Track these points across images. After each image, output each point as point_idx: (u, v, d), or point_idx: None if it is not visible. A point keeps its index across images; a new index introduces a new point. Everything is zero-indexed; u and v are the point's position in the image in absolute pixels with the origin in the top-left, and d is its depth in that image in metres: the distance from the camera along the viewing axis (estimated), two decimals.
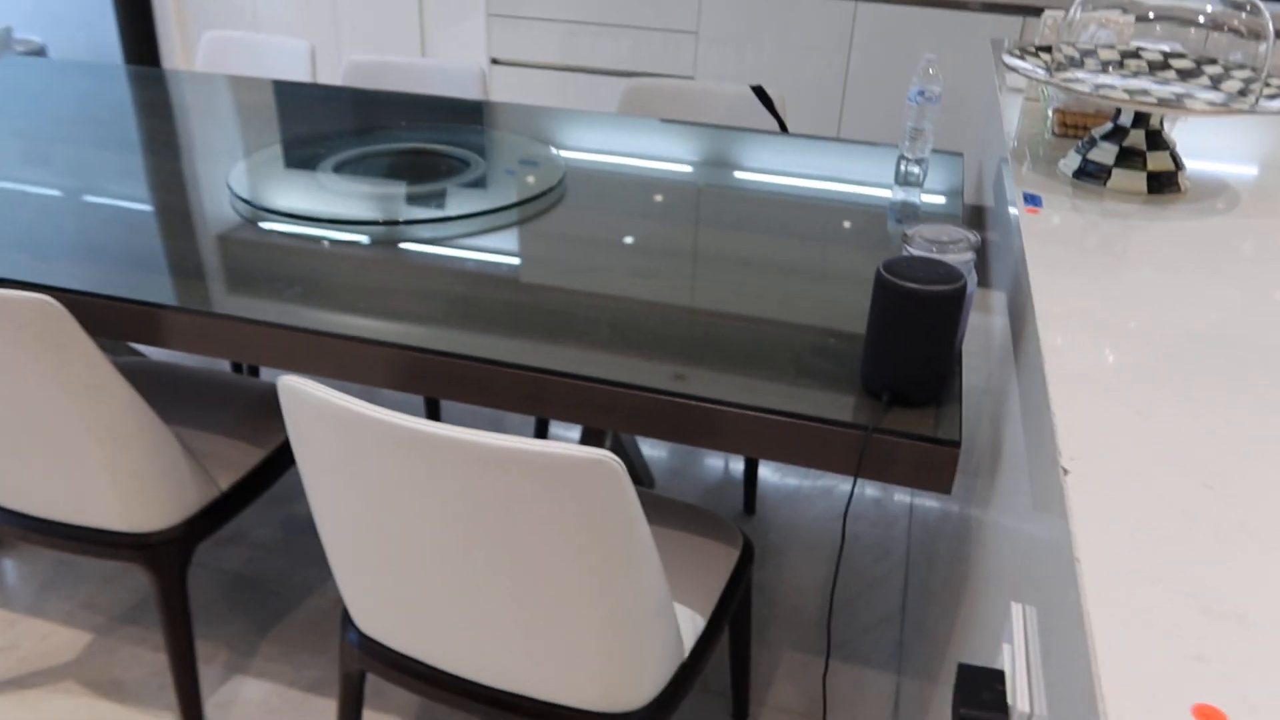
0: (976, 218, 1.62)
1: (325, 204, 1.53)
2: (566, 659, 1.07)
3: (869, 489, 2.22)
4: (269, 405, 1.60)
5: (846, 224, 1.58)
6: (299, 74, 2.45)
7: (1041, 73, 1.39)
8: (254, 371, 2.36)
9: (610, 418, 1.11)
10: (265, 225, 1.46)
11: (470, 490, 0.94)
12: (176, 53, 4.41)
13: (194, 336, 1.22)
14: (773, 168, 1.82)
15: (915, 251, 1.10)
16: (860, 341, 1.20)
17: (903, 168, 1.88)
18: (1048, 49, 1.50)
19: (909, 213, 1.68)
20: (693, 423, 1.08)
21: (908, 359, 1.04)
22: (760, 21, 3.47)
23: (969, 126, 3.42)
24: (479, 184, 1.64)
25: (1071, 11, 1.39)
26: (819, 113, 3.60)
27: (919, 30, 3.34)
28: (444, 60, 2.32)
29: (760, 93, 2.16)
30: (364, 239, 1.43)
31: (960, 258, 1.09)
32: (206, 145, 1.81)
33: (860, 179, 1.80)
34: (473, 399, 1.15)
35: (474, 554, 1.00)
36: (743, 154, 1.89)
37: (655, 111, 2.22)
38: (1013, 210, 1.23)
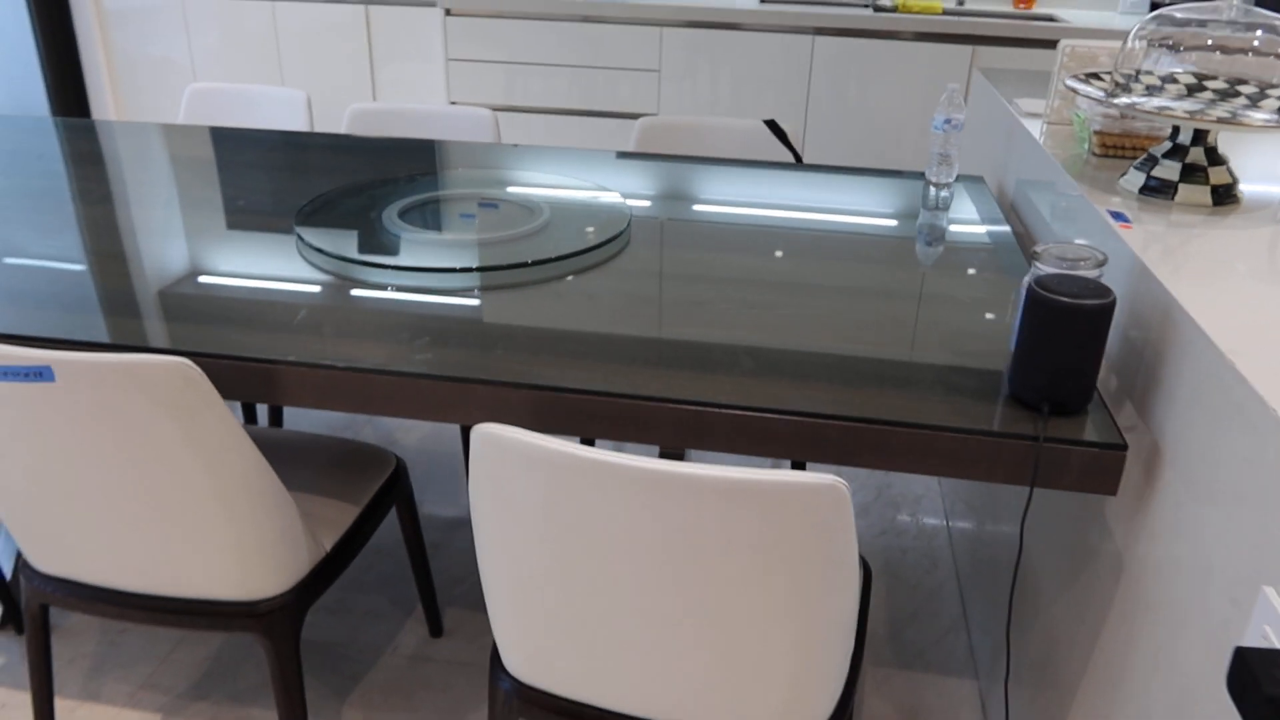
0: (998, 238, 1.70)
1: (413, 254, 1.52)
2: (755, 681, 1.08)
3: (900, 510, 2.28)
4: (353, 460, 1.57)
5: (890, 249, 1.65)
6: (296, 124, 2.41)
7: (1099, 95, 1.49)
8: (276, 422, 2.29)
9: (774, 445, 1.13)
10: (349, 276, 1.44)
11: (693, 523, 0.95)
12: (107, 105, 4.26)
13: (327, 391, 1.20)
14: (810, 201, 1.89)
15: (1046, 269, 1.16)
16: (978, 356, 1.25)
17: (931, 192, 1.97)
18: (1095, 75, 1.60)
19: (937, 236, 1.76)
20: (861, 444, 1.11)
21: (1064, 370, 1.09)
22: (720, 57, 3.57)
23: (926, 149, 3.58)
24: (547, 229, 1.65)
25: (1130, 43, 1.50)
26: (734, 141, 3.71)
27: (875, 60, 3.48)
28: (451, 107, 2.32)
29: (774, 126, 2.23)
30: (457, 285, 1.43)
31: (1092, 272, 1.16)
32: (258, 200, 1.77)
33: (881, 207, 1.87)
34: (632, 436, 1.16)
35: (677, 585, 1.01)
36: (774, 187, 1.95)
37: (671, 148, 2.26)
38: (1114, 222, 1.31)
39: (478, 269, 1.47)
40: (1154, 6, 3.72)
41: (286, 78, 4.08)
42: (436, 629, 1.84)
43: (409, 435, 2.50)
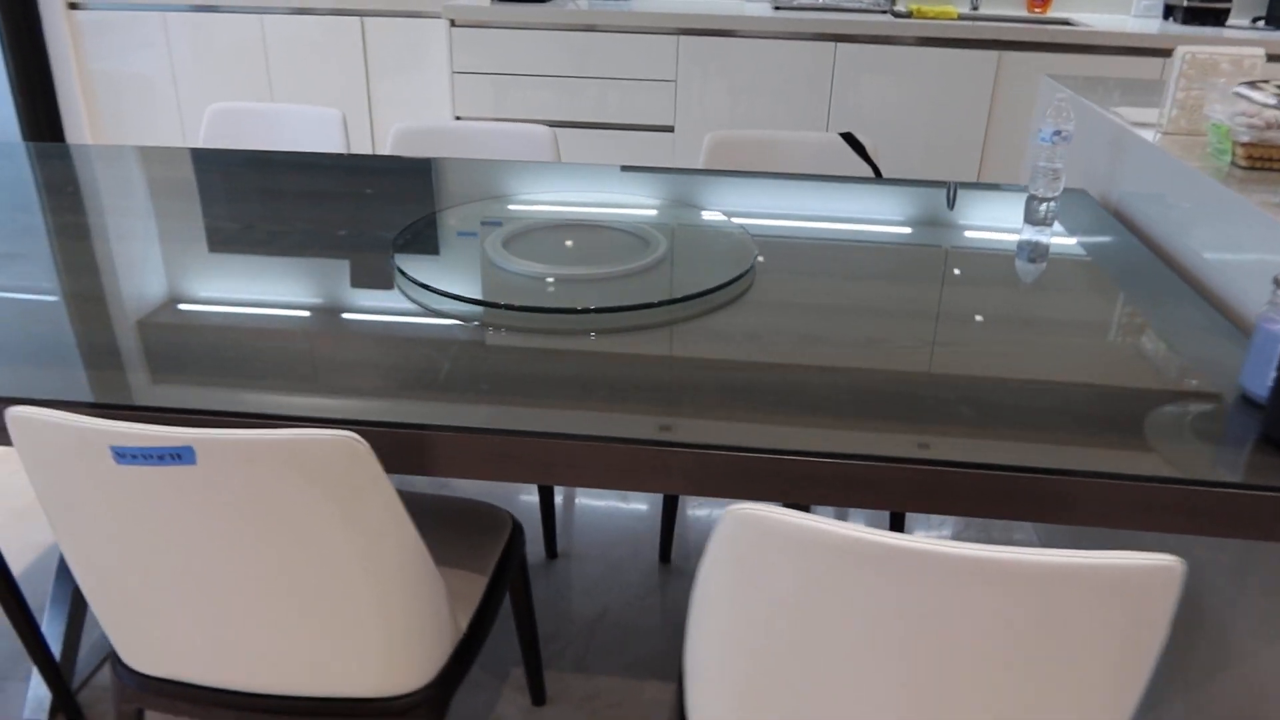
0: (1136, 254, 1.61)
1: (530, 293, 1.37)
2: None
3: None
4: (469, 521, 1.42)
5: (993, 268, 1.54)
6: (332, 145, 2.24)
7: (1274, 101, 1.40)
8: None
9: (1019, 506, 1.01)
10: (463, 316, 1.29)
11: (1000, 611, 0.82)
12: (83, 129, 4.01)
13: (499, 460, 1.05)
14: (919, 218, 1.78)
15: None
16: (1184, 391, 1.15)
17: (1036, 207, 1.88)
18: (1253, 85, 1.51)
19: (1040, 253, 1.66)
20: (1093, 499, 1.00)
21: None
22: (737, 66, 3.46)
23: (965, 156, 3.51)
24: (665, 260, 1.51)
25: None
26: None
27: (896, 67, 3.40)
28: (503, 124, 2.17)
29: (851, 139, 2.12)
30: (596, 326, 1.29)
31: None
32: (333, 231, 1.60)
33: (992, 223, 1.77)
34: (855, 501, 1.03)
35: (962, 677, 0.88)
36: (871, 203, 1.83)
37: (742, 164, 2.14)
38: None
39: (657, 303, 1.33)
40: (1168, 10, 3.70)
41: (276, 93, 3.87)
42: (540, 697, 1.68)
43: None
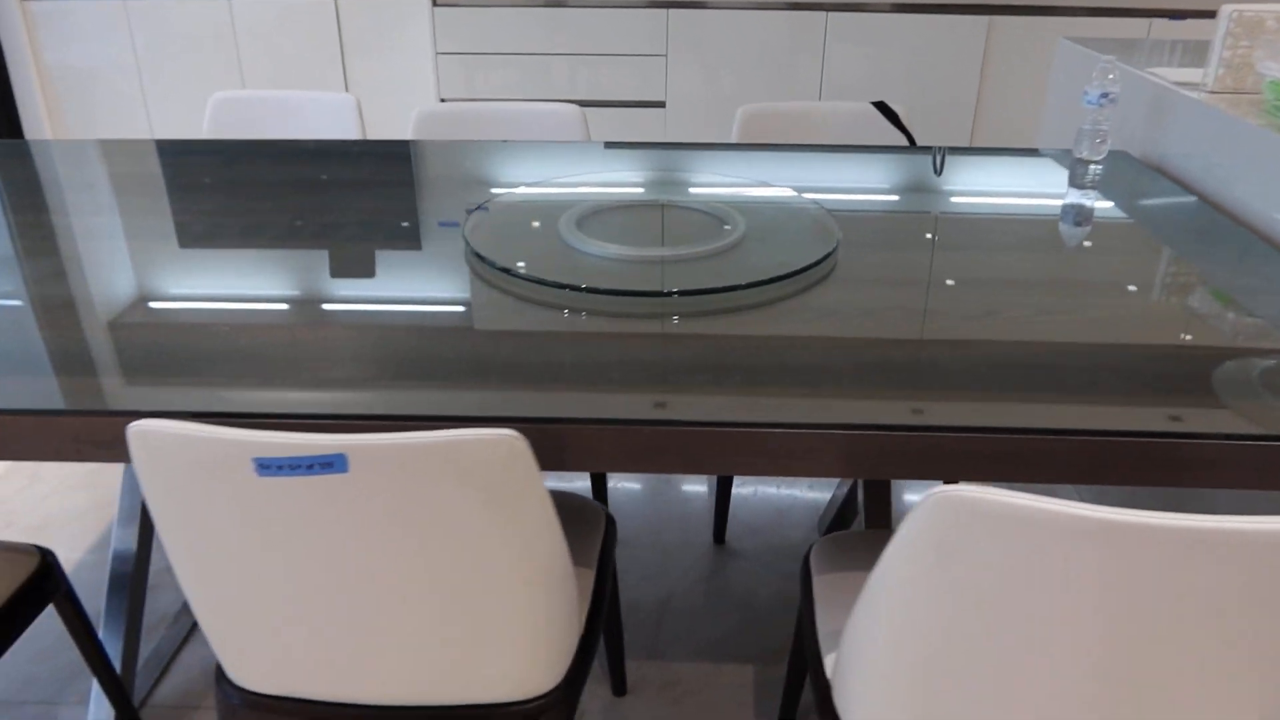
0: (1203, 214, 1.61)
1: (613, 275, 1.33)
2: None
3: None
4: (569, 516, 1.37)
5: (1043, 233, 1.54)
6: (347, 132, 2.16)
7: None
8: None
9: (1113, 472, 1.00)
10: (551, 303, 1.24)
11: (1214, 581, 0.81)
12: (43, 123, 3.83)
13: (646, 452, 1.01)
14: (970, 186, 1.77)
15: None
16: None
17: (1083, 170, 1.88)
18: None
19: (1085, 216, 1.66)
20: (1227, 461, 0.99)
21: None
22: (729, 39, 3.42)
23: (957, 122, 3.51)
24: (747, 238, 1.48)
25: None
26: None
27: (890, 34, 3.39)
28: (529, 105, 2.11)
29: (884, 108, 2.10)
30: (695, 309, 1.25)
31: None
32: (391, 217, 1.54)
33: (1022, 188, 1.76)
34: (1014, 476, 1.01)
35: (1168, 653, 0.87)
36: (917, 173, 1.82)
37: (776, 136, 2.11)
38: None
39: (785, 275, 1.29)
40: None
41: (248, 79, 3.73)
42: (621, 687, 1.65)
43: None
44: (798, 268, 1.35)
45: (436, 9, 3.38)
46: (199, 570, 1.01)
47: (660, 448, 1.00)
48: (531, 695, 1.12)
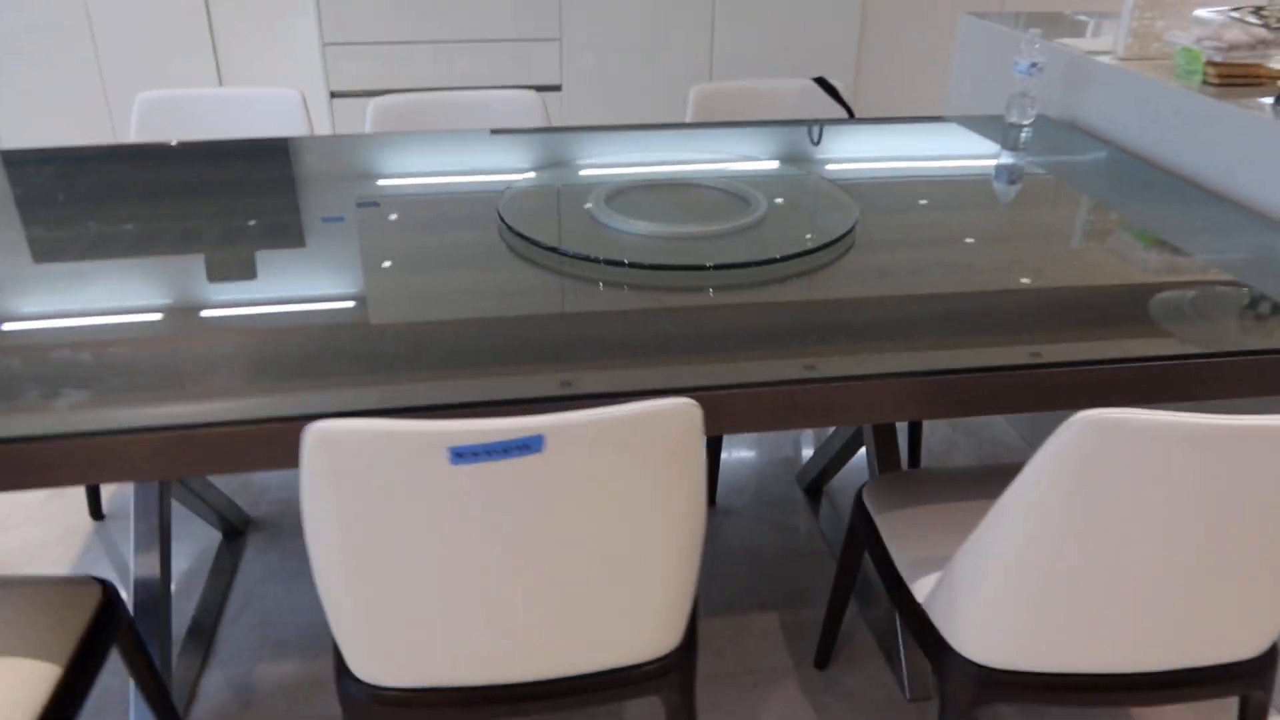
0: (1128, 163, 1.83)
1: (655, 251, 1.39)
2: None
3: None
4: None
5: (980, 192, 1.73)
6: (293, 128, 2.09)
7: (1264, 31, 1.63)
8: None
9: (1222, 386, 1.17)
10: (610, 280, 1.30)
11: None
12: None
13: (783, 411, 1.08)
14: (917, 152, 1.92)
15: None
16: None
17: (1016, 133, 2.07)
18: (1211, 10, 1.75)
19: (1017, 175, 1.86)
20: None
21: None
22: (621, 20, 3.48)
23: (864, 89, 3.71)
24: (772, 214, 1.57)
25: None
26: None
27: (775, 6, 3.55)
28: (489, 92, 2.11)
29: (824, 84, 2.24)
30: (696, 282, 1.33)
31: None
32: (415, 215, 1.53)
33: (959, 152, 1.94)
34: (1083, 403, 1.15)
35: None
36: (868, 143, 1.96)
37: (727, 115, 2.20)
38: None
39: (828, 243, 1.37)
40: None
41: (108, 79, 3.49)
42: None
43: None
44: (834, 236, 1.46)
45: None
46: (359, 567, 1.01)
47: (800, 405, 1.08)
48: (663, 653, 1.18)
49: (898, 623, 1.70)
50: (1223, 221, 1.56)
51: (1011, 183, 1.78)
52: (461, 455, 0.91)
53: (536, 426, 0.91)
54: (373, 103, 2.04)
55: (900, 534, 1.36)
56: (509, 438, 0.91)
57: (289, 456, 1.02)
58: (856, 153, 1.88)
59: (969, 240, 1.46)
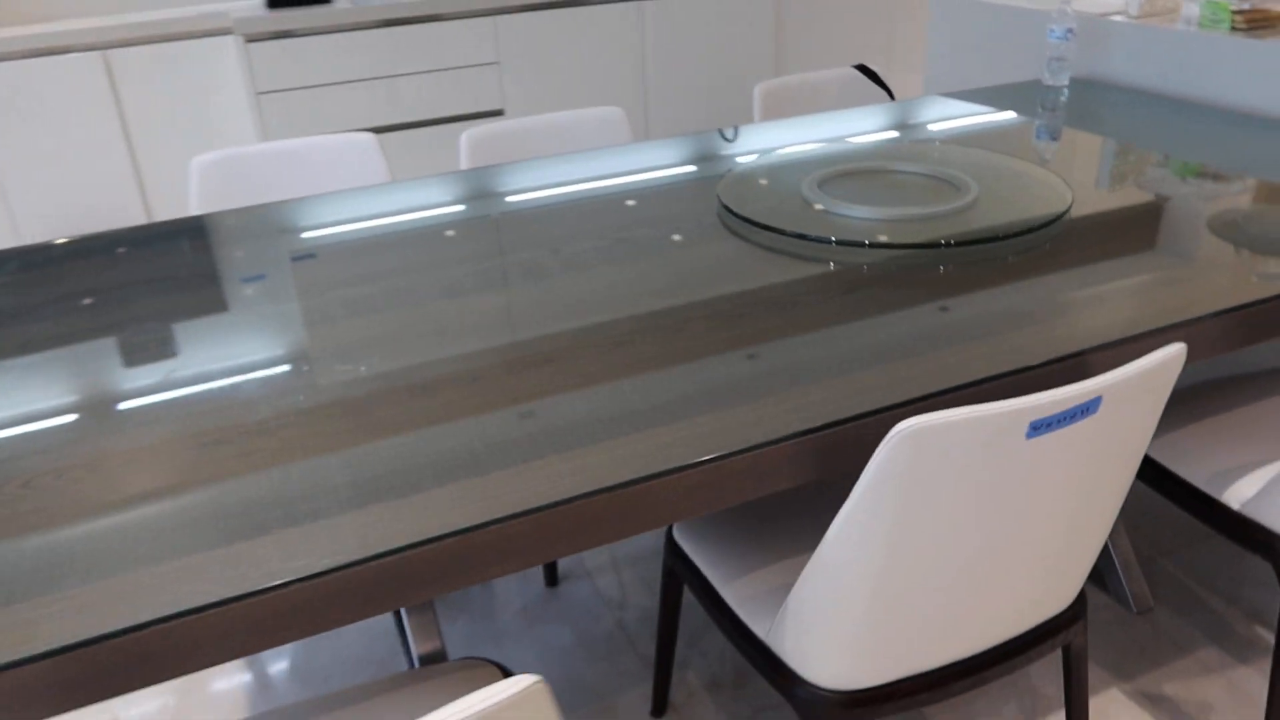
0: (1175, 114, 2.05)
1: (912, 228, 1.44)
2: None
3: None
4: None
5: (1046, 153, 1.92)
6: (374, 176, 1.97)
7: None
8: None
9: None
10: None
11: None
12: None
13: None
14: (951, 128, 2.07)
15: None
16: None
17: (1055, 95, 2.26)
18: None
19: (1056, 131, 2.06)
20: None
21: None
22: (558, 39, 3.46)
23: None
24: (983, 197, 1.65)
25: None
26: (620, 101, 3.71)
27: (704, 9, 3.64)
28: (572, 113, 2.07)
29: (866, 70, 2.35)
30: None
31: None
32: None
33: (1004, 118, 2.11)
34: None
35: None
36: (919, 118, 2.09)
37: (790, 111, 2.27)
38: None
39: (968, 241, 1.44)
40: None
41: (17, 157, 3.09)
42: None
43: None
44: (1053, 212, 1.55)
45: (250, 45, 3.05)
46: (896, 564, 1.00)
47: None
48: (1065, 607, 1.23)
49: None
50: None
51: (1054, 138, 1.94)
52: (1037, 428, 0.93)
53: (1095, 389, 0.94)
54: (465, 134, 1.95)
55: (724, 569, 1.30)
56: (1079, 403, 0.94)
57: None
58: (949, 128, 1.99)
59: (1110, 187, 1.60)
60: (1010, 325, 1.18)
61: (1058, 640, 1.22)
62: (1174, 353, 1.00)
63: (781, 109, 2.26)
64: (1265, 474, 1.39)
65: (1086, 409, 0.95)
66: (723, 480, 0.96)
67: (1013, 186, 1.60)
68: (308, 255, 1.49)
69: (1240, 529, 1.38)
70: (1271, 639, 1.69)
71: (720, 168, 1.79)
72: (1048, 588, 1.15)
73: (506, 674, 1.14)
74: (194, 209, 1.88)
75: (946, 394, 1.05)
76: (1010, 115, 2.07)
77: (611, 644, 1.77)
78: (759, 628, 1.21)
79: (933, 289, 1.28)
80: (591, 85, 3.57)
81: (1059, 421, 0.94)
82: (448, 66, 3.34)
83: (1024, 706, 1.60)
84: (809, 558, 1.27)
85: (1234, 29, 2.07)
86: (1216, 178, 1.63)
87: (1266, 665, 1.64)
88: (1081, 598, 1.25)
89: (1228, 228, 1.43)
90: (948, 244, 1.41)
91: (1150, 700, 1.60)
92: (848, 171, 1.70)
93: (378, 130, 3.31)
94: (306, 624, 0.82)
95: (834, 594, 1.05)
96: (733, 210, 1.56)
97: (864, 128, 1.99)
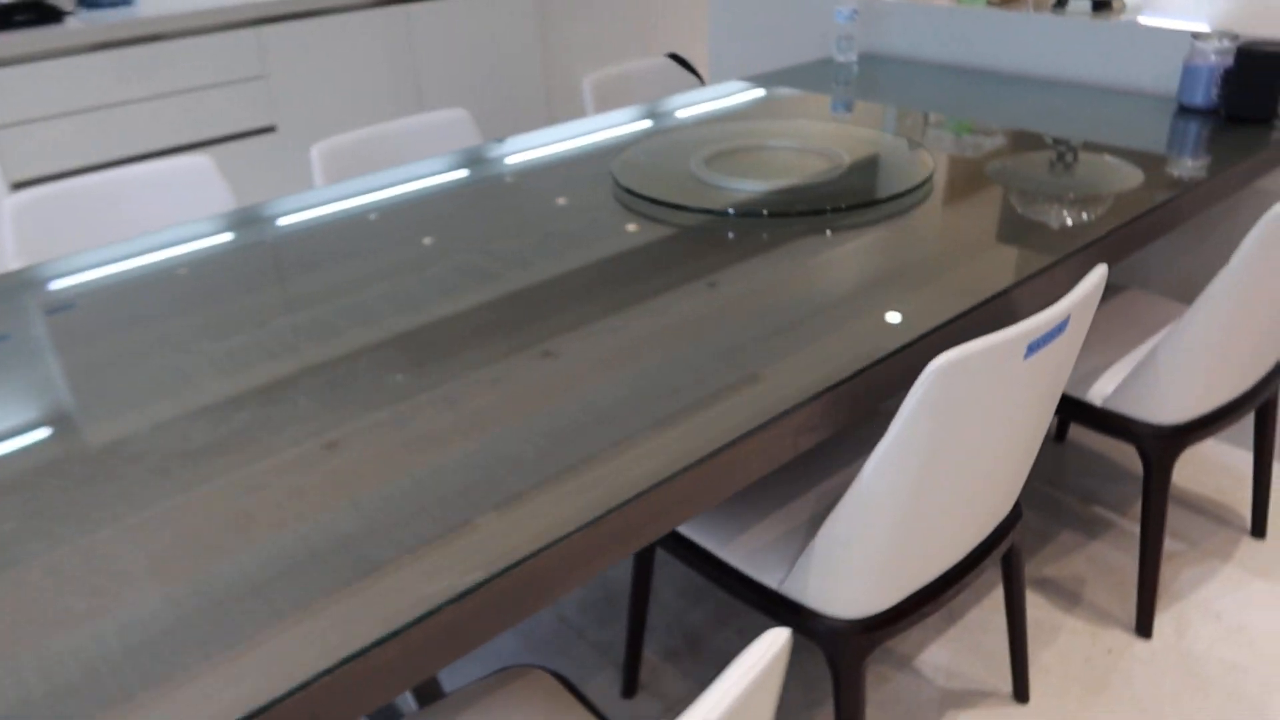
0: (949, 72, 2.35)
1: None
2: None
3: None
4: None
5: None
6: (466, 143, 1.83)
7: None
8: None
9: None
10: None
11: None
12: None
13: None
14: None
15: (1232, 43, 1.87)
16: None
17: (848, 69, 2.49)
18: None
19: (849, 99, 2.33)
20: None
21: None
22: (327, 46, 3.31)
23: (531, 90, 3.84)
24: (852, 169, 1.79)
25: None
26: (399, 110, 3.61)
27: (467, 15, 3.61)
28: (417, 118, 2.01)
29: (677, 58, 2.48)
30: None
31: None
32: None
33: (808, 95, 2.34)
34: None
35: None
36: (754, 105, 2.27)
37: (624, 100, 2.33)
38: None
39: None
40: None
41: None
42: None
43: None
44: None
45: None
46: (921, 489, 1.11)
47: None
48: (1012, 509, 1.41)
49: None
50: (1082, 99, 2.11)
51: (849, 109, 2.18)
52: (1032, 349, 1.07)
53: (1065, 310, 1.10)
54: (315, 149, 1.86)
55: (716, 534, 1.36)
56: (1057, 323, 1.09)
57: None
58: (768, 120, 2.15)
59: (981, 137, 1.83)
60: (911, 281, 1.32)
61: (1009, 539, 1.40)
62: (1101, 273, 1.18)
63: (612, 99, 2.32)
64: (1118, 373, 1.65)
65: (1061, 328, 1.10)
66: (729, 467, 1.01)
67: (874, 157, 1.77)
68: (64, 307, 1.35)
69: (1105, 421, 1.63)
70: (1116, 519, 2.00)
71: (576, 170, 1.83)
72: (1009, 493, 1.32)
73: (558, 676, 1.14)
74: (10, 259, 1.66)
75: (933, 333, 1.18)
76: (807, 92, 2.26)
77: (559, 639, 1.78)
78: (770, 579, 1.28)
79: (812, 249, 1.41)
80: (364, 91, 3.45)
81: (1044, 341, 1.09)
82: (211, 84, 3.11)
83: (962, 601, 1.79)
84: (801, 506, 1.37)
85: (989, 4, 2.38)
86: (989, 133, 1.90)
87: (1118, 539, 1.94)
88: (1018, 500, 1.43)
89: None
90: (835, 209, 1.54)
91: (1036, 584, 1.84)
92: (726, 151, 1.81)
93: (136, 159, 3.02)
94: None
95: (865, 526, 1.14)
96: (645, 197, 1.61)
97: (693, 114, 2.10)
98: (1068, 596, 1.81)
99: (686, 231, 1.48)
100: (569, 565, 0.87)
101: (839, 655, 1.26)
